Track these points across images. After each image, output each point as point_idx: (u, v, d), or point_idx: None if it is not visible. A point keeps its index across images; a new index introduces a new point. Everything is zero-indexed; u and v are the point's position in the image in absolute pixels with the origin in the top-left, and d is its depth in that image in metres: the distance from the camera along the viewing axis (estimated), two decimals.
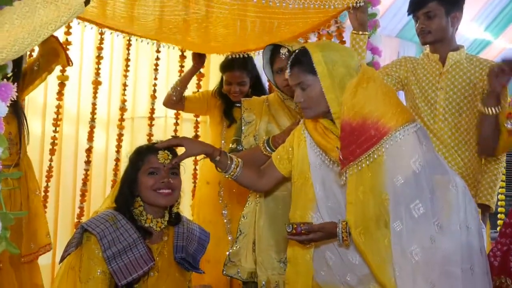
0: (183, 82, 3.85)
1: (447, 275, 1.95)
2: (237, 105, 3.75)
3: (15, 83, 1.63)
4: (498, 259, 2.52)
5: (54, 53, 3.31)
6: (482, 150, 2.81)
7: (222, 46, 3.46)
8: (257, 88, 3.78)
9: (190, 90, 4.05)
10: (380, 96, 2.04)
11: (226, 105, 3.84)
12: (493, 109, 2.61)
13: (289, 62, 2.15)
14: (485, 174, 2.97)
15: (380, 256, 1.98)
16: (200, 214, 3.90)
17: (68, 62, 3.44)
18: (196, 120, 4.28)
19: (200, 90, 4.15)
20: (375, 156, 1.99)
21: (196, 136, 4.24)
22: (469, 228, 2.02)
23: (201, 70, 4.06)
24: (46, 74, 3.38)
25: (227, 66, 3.74)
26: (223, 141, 3.82)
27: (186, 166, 2.51)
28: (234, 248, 2.72)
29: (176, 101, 3.84)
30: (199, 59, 3.85)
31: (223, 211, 3.70)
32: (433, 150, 2.11)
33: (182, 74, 3.95)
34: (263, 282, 2.61)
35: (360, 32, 2.87)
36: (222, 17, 2.76)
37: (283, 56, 2.64)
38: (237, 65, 3.63)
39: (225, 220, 3.69)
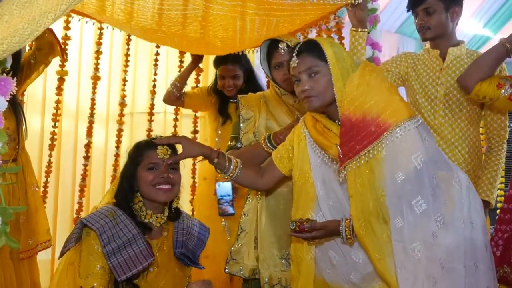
0: (182, 78, 3.85)
1: (449, 271, 1.94)
2: (232, 100, 3.76)
3: (14, 78, 1.62)
4: (501, 248, 2.50)
5: (50, 45, 3.31)
6: (463, 77, 2.74)
7: (221, 51, 3.45)
8: (251, 83, 3.77)
9: (189, 85, 4.06)
10: (382, 90, 2.03)
11: (221, 102, 3.84)
12: (508, 44, 2.62)
13: (295, 50, 2.14)
14: (485, 170, 2.97)
15: (381, 251, 1.97)
16: (200, 210, 3.92)
17: (62, 55, 3.43)
18: (195, 115, 4.28)
19: (199, 85, 4.15)
20: (375, 152, 1.98)
21: (195, 131, 4.24)
22: (473, 224, 2.00)
23: (200, 65, 4.06)
24: (43, 67, 3.37)
25: (220, 60, 3.76)
26: (217, 138, 3.83)
27: (185, 161, 2.51)
28: (236, 246, 2.71)
29: (176, 97, 3.85)
30: (197, 55, 3.86)
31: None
32: (435, 145, 2.09)
33: (181, 70, 3.94)
34: (266, 279, 2.60)
35: (359, 29, 2.86)
36: (222, 15, 2.74)
37: (282, 51, 2.63)
38: (230, 58, 3.63)
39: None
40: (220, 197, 2.45)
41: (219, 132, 3.85)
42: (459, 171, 2.08)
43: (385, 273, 1.97)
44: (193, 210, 4.07)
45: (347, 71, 2.09)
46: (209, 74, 4.50)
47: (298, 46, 2.15)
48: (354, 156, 2.00)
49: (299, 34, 3.38)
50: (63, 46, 3.57)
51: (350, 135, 2.01)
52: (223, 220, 3.68)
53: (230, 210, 2.44)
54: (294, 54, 2.14)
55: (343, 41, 3.27)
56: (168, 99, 3.92)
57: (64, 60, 3.58)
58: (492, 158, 2.98)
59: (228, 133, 3.59)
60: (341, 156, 2.03)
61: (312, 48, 2.12)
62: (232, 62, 3.69)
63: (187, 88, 4.02)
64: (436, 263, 1.93)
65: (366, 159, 1.99)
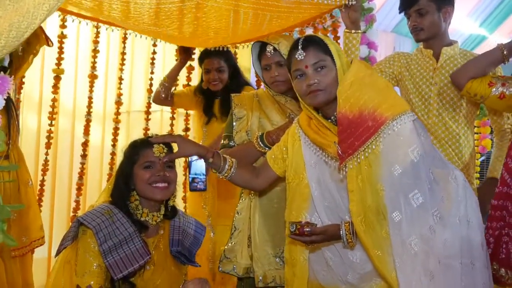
0: (170, 78, 3.88)
1: (446, 267, 1.95)
2: (217, 97, 3.76)
3: (12, 76, 1.62)
4: (492, 246, 2.51)
5: (35, 35, 3.28)
6: (456, 74, 2.76)
7: (213, 40, 3.47)
8: (235, 79, 3.78)
9: (181, 83, 4.10)
10: (377, 86, 2.04)
11: (206, 101, 3.84)
12: (505, 50, 2.62)
13: (299, 43, 2.11)
14: (497, 152, 3.02)
15: (380, 247, 1.97)
16: (192, 207, 3.93)
17: (48, 42, 3.41)
18: (187, 113, 4.29)
19: (191, 83, 4.17)
20: (373, 146, 1.98)
21: (187, 129, 4.26)
22: (469, 222, 2.01)
23: (191, 63, 4.07)
24: (32, 57, 3.33)
25: (205, 53, 3.77)
26: (203, 136, 3.84)
27: (179, 159, 2.51)
28: (229, 244, 2.70)
29: (165, 97, 3.87)
30: (185, 53, 3.88)
31: (203, 205, 3.73)
32: (430, 143, 2.10)
33: (169, 70, 3.96)
34: (260, 278, 2.60)
35: (353, 31, 2.86)
36: (217, 6, 2.76)
37: (269, 54, 2.65)
38: (214, 52, 3.64)
39: (206, 213, 3.71)
40: (195, 176, 2.44)
41: (204, 130, 3.85)
42: (454, 169, 2.09)
43: (383, 270, 1.97)
44: (185, 208, 4.08)
45: (344, 69, 2.10)
46: (200, 72, 4.52)
47: (302, 40, 2.13)
48: (353, 153, 2.00)
49: (296, 34, 3.39)
50: (59, 44, 3.57)
51: (348, 132, 2.00)
52: (208, 218, 3.68)
53: (202, 186, 2.43)
54: (299, 47, 2.10)
55: (338, 41, 3.29)
56: (157, 99, 3.94)
57: (50, 46, 3.53)
58: (504, 143, 3.00)
59: (213, 131, 3.64)
60: (341, 154, 2.03)
61: (317, 43, 2.11)
62: (216, 55, 3.70)
63: (180, 86, 4.04)
64: (433, 258, 1.94)
65: (366, 155, 1.99)
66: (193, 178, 2.44)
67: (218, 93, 3.75)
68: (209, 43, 3.57)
